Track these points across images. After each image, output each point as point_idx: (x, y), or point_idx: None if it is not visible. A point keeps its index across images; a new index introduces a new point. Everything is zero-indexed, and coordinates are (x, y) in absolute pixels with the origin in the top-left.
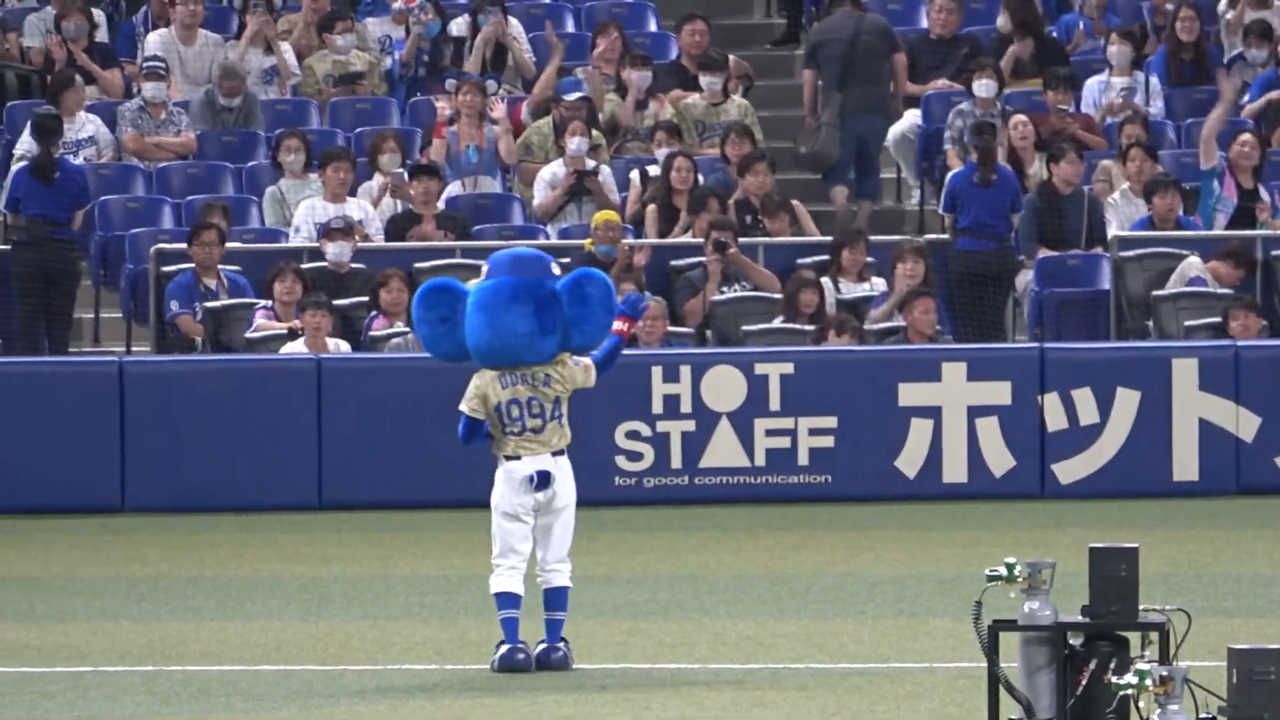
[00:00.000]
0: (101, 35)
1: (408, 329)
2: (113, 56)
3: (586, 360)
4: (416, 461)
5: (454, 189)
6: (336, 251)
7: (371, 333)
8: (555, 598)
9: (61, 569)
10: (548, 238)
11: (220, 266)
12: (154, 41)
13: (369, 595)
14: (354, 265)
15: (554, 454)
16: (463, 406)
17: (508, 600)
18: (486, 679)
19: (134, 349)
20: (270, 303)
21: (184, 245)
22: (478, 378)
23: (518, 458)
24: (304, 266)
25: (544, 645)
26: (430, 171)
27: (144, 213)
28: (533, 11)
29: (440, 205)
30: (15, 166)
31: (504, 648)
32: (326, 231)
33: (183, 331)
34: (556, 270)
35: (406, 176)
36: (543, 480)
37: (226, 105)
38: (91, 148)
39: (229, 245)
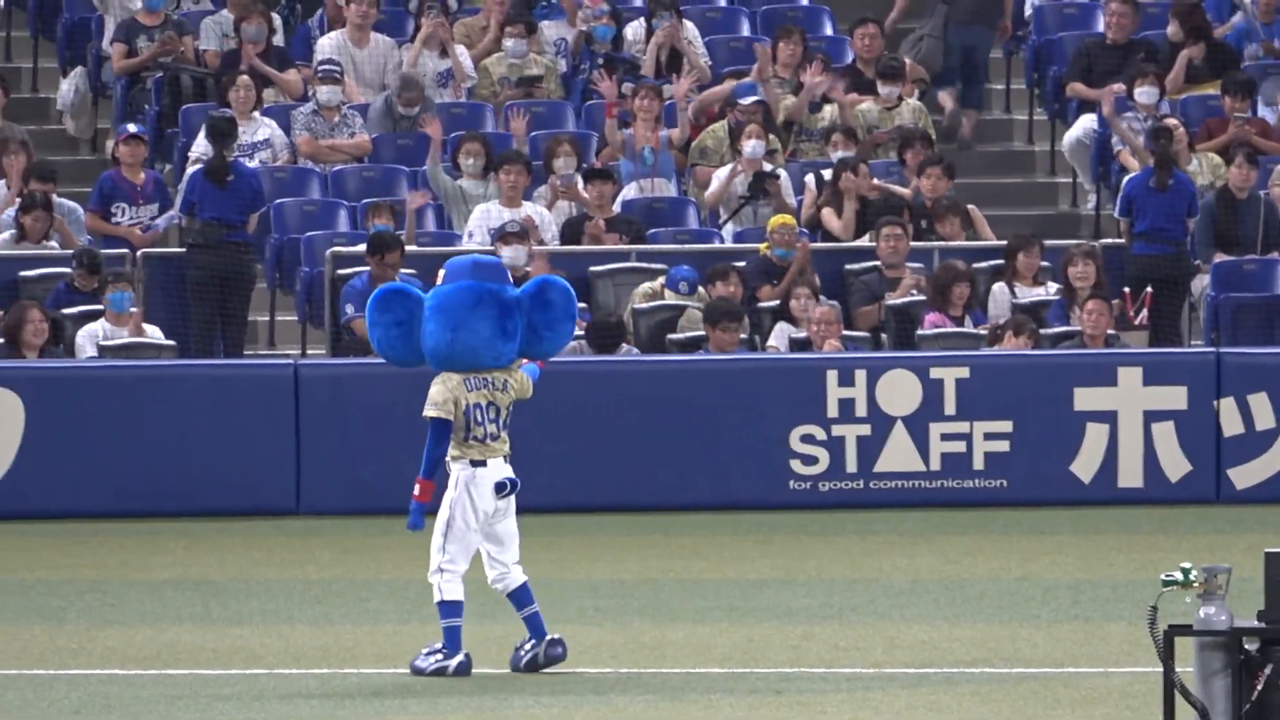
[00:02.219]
0: (277, 38)
1: (579, 331)
2: (288, 59)
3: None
4: (591, 464)
5: (629, 192)
6: (512, 255)
7: None
8: (523, 594)
9: (237, 571)
10: (722, 241)
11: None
12: (328, 45)
13: (543, 598)
14: (528, 269)
15: (505, 459)
16: (434, 412)
17: (459, 608)
18: (661, 681)
19: (309, 352)
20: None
21: (359, 248)
22: (443, 381)
23: (484, 463)
24: None
25: (542, 641)
26: (604, 175)
27: (319, 216)
28: (709, 15)
29: (615, 208)
30: (190, 170)
31: (460, 656)
32: (502, 235)
33: (358, 335)
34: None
35: (581, 180)
36: (513, 487)
37: (406, 114)
38: (266, 151)
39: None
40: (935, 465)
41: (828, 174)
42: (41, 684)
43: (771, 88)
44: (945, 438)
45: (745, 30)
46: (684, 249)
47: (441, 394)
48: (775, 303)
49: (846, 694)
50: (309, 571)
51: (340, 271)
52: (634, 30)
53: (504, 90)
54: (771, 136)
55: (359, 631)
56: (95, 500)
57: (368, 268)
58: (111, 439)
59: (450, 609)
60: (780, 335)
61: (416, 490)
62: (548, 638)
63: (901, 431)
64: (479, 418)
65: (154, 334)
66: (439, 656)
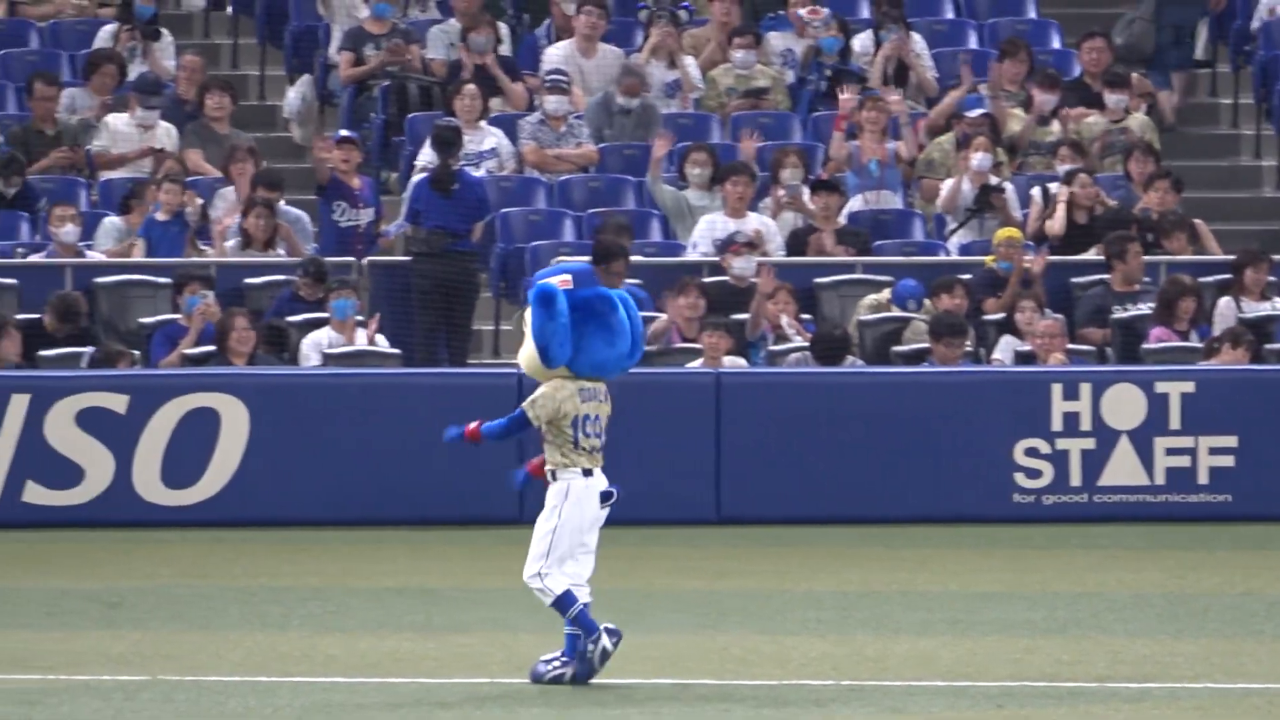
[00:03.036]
0: (504, 48)
1: (803, 342)
2: (515, 69)
3: None
4: (814, 476)
5: (855, 204)
6: (741, 266)
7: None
8: (564, 597)
9: (459, 580)
10: (948, 253)
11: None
12: (555, 55)
13: (766, 610)
14: (755, 280)
15: (601, 470)
16: (534, 414)
17: (572, 596)
18: (883, 694)
19: None
20: (673, 323)
21: (585, 258)
22: (556, 389)
23: (592, 473)
24: (705, 280)
25: (570, 660)
26: (830, 186)
27: (545, 225)
28: (935, 28)
29: (841, 220)
30: (416, 178)
31: (600, 634)
32: (729, 246)
33: None
34: None
35: (807, 191)
36: (615, 497)
37: (624, 106)
38: (493, 160)
39: (630, 259)
40: (1160, 479)
41: (1054, 187)
42: (264, 691)
43: (999, 101)
44: (1170, 452)
45: (972, 43)
46: (910, 261)
47: (550, 404)
48: (1000, 315)
49: (1069, 708)
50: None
51: None
52: (861, 42)
53: (731, 101)
54: (998, 150)
55: None
56: (318, 507)
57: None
58: (335, 447)
59: (565, 599)
60: (1005, 348)
61: (470, 428)
62: (572, 658)
63: (1126, 445)
64: (589, 429)
65: (379, 342)
66: (589, 647)
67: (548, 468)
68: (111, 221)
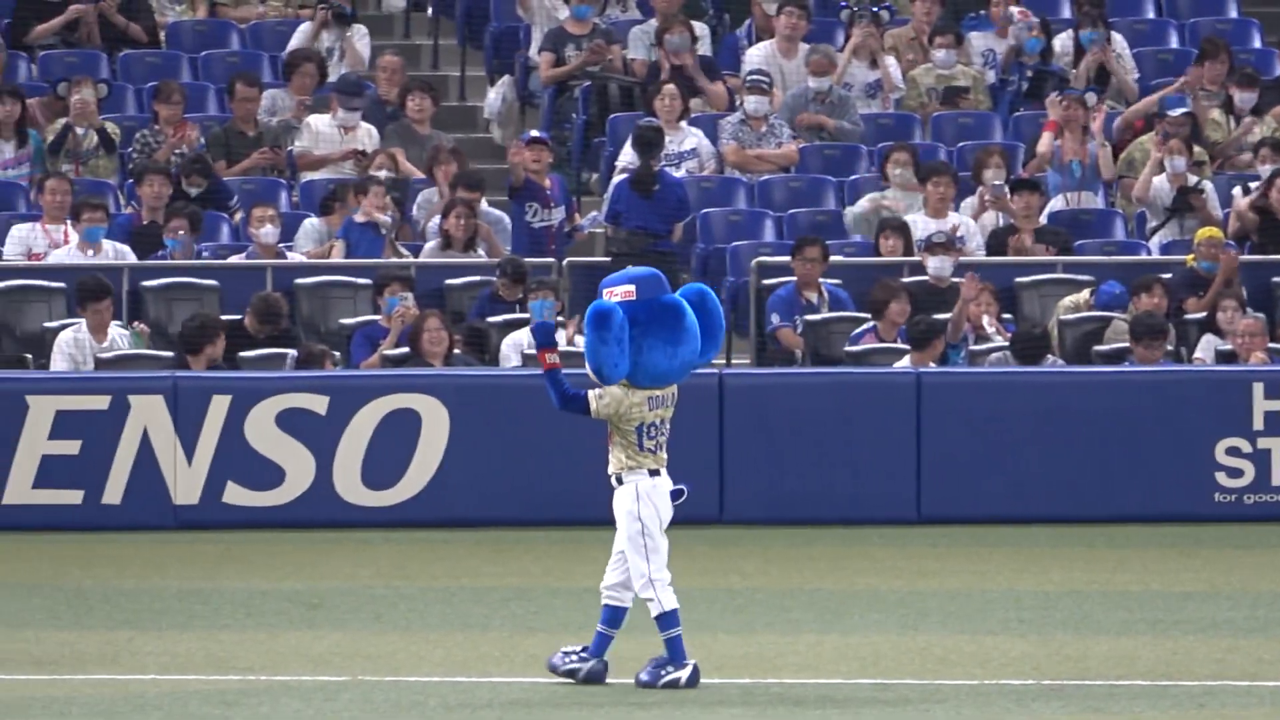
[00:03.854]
0: (704, 48)
1: (1004, 341)
2: (715, 69)
3: None
4: (1014, 475)
5: (1056, 203)
6: (938, 266)
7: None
8: (670, 616)
9: None
10: (1149, 253)
11: (821, 280)
12: (756, 55)
13: (966, 609)
14: (955, 280)
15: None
16: (595, 404)
17: (678, 617)
18: (1084, 693)
19: (734, 361)
20: (874, 324)
21: (785, 259)
22: (627, 393)
23: (658, 472)
24: (906, 280)
25: (593, 660)
26: (1031, 186)
27: (745, 225)
28: (1136, 27)
29: (1042, 220)
30: (616, 179)
31: (689, 668)
32: (929, 246)
33: (783, 344)
34: None
35: (1007, 190)
36: (682, 495)
37: (816, 88)
38: (693, 160)
39: (831, 259)
40: None
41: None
42: (464, 691)
43: (1200, 100)
44: None
45: (1173, 43)
46: (1111, 260)
47: (614, 405)
48: (1201, 315)
49: (1271, 708)
50: (732, 581)
51: (765, 281)
52: (1062, 42)
53: (931, 101)
54: (1198, 149)
55: (781, 641)
56: (518, 508)
57: (794, 278)
58: (536, 447)
59: (670, 619)
60: (1206, 347)
61: (551, 358)
62: (601, 661)
63: None
64: (652, 432)
65: (578, 343)
66: (668, 669)
67: (611, 470)
68: (311, 223)
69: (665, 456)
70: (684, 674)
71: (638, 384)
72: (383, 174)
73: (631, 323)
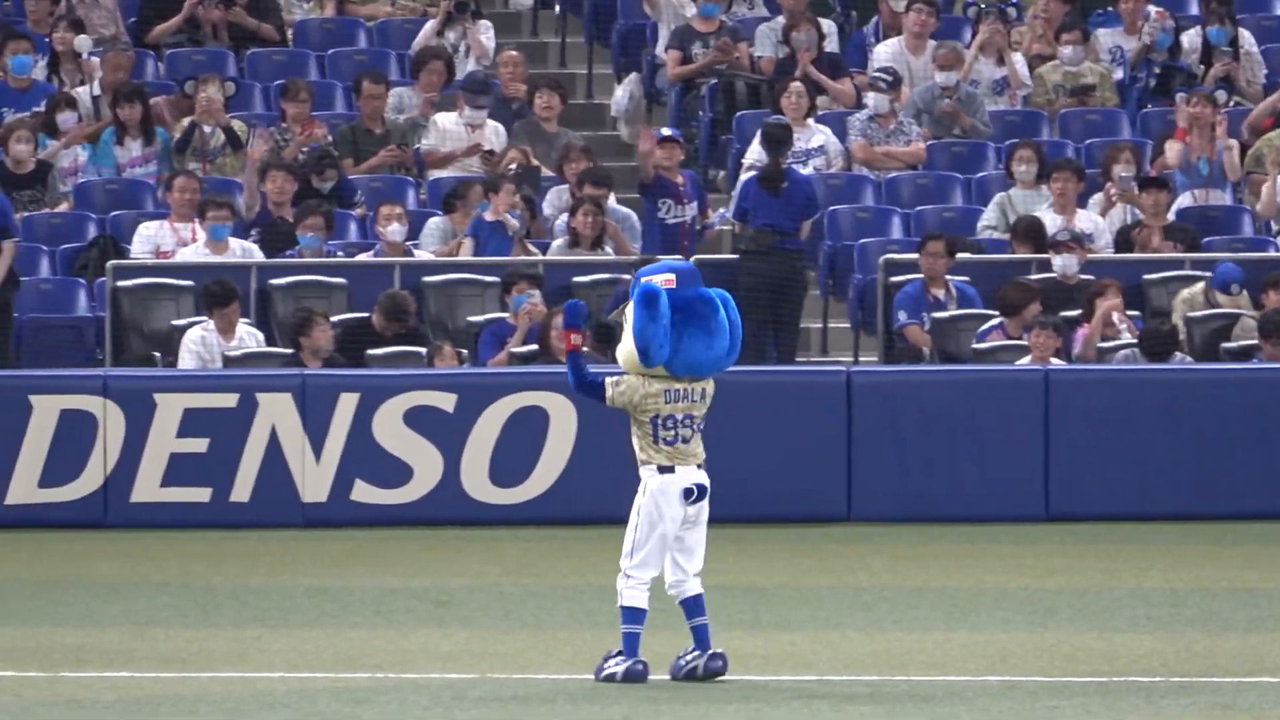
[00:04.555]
0: (831, 45)
1: (1132, 338)
2: (842, 66)
3: None
4: (1142, 473)
5: (1184, 200)
6: (1063, 263)
7: (1075, 348)
8: (696, 605)
9: (787, 578)
10: (1277, 249)
11: (949, 277)
12: (884, 52)
13: (1094, 606)
14: (1083, 276)
15: (698, 466)
16: (611, 391)
17: (640, 616)
18: (1213, 690)
19: (861, 359)
20: (1000, 321)
21: (913, 255)
22: (645, 382)
23: (671, 469)
24: (1032, 277)
25: (704, 654)
26: (1160, 183)
27: (873, 223)
28: (1264, 23)
29: (1169, 216)
30: (744, 176)
31: (629, 662)
32: (1053, 243)
33: (910, 342)
34: None
35: (1136, 187)
36: (700, 493)
37: (944, 84)
38: (821, 157)
39: (959, 256)
40: None
41: None
42: (591, 689)
43: None
44: None
45: None
46: (1238, 257)
47: (630, 394)
48: None
49: None
50: (860, 578)
51: (893, 279)
52: (1190, 39)
53: (1059, 98)
54: None
55: (908, 638)
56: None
57: (921, 275)
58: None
59: (631, 615)
60: None
61: (574, 339)
62: (710, 651)
63: None
64: (669, 424)
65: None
66: (614, 661)
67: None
68: (436, 221)
69: (690, 451)
70: (620, 669)
71: (674, 372)
72: (513, 167)
73: (672, 310)
